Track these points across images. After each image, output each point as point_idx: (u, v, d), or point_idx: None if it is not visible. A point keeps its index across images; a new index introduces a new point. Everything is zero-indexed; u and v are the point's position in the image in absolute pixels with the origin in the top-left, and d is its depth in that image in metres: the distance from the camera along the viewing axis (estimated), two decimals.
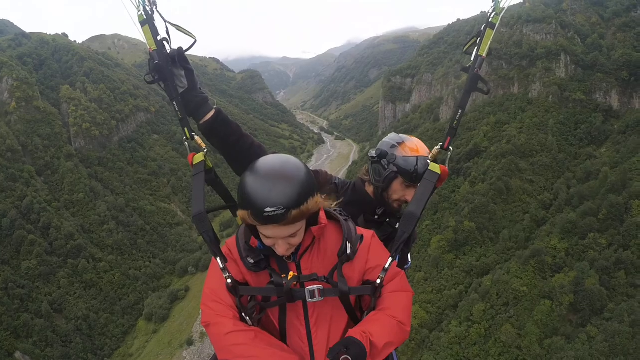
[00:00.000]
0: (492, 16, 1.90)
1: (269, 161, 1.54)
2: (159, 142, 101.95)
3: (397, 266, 1.89)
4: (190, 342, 59.94)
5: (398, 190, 2.37)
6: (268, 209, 1.40)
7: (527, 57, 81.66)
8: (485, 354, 41.40)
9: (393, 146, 2.40)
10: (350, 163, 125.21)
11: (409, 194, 2.33)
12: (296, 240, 1.60)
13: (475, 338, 42.86)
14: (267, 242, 1.59)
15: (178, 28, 1.91)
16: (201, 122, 2.04)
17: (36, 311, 60.33)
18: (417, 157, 2.31)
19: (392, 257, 1.81)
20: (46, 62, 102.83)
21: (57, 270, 65.96)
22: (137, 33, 1.84)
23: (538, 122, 71.50)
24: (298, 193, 1.44)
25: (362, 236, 1.78)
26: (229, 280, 1.67)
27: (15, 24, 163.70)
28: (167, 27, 1.86)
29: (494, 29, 1.91)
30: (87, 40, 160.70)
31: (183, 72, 1.93)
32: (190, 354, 58.35)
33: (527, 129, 70.78)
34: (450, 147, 2.02)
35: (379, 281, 1.76)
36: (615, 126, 65.77)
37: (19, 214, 68.32)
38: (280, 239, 1.55)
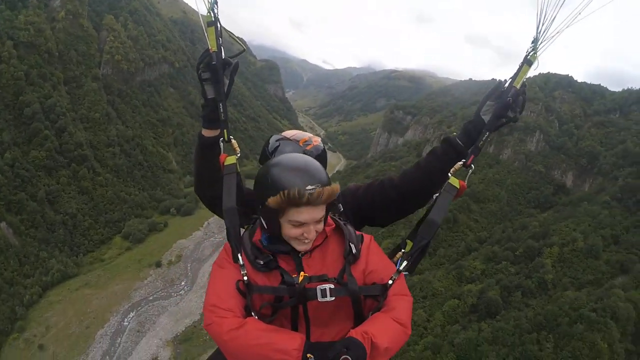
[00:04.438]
0: (530, 55, 2.03)
1: (292, 155, 1.75)
2: (173, 95, 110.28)
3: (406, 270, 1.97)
4: (158, 265, 67.80)
5: None
6: (309, 187, 1.54)
7: (508, 126, 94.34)
8: None
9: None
10: (334, 171, 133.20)
11: None
12: (321, 227, 1.71)
13: None
14: (293, 232, 1.64)
15: (231, 35, 2.15)
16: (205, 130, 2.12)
17: (32, 194, 67.17)
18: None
19: (407, 260, 1.91)
20: None
21: (60, 168, 73.56)
22: None
23: (499, 178, 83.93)
24: (326, 174, 1.66)
25: (362, 236, 1.92)
26: (245, 278, 1.72)
27: None
28: (221, 31, 1.99)
29: (530, 66, 2.04)
30: None
31: (228, 82, 2.06)
32: (156, 274, 66.24)
33: (488, 182, 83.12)
34: (472, 165, 2.11)
35: (390, 282, 1.80)
36: (562, 199, 78.29)
37: (41, 109, 75.52)
38: (312, 223, 1.63)
